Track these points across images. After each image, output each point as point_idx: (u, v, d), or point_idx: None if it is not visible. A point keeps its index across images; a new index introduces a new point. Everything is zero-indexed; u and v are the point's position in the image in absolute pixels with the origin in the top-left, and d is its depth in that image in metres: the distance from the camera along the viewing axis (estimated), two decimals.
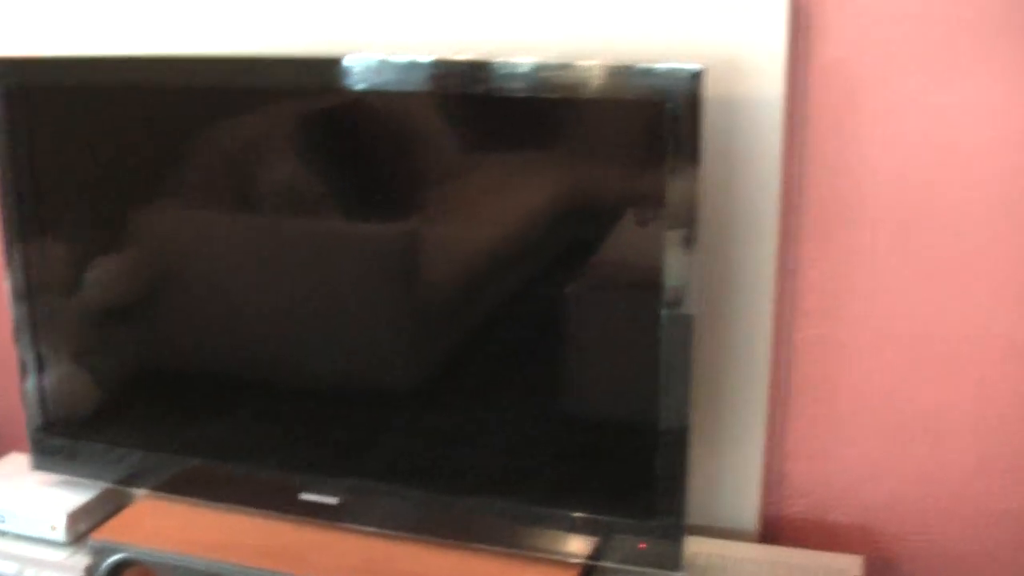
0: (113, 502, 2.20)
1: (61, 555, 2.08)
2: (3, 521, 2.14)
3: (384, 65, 1.83)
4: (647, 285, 1.75)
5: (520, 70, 1.75)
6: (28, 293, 2.14)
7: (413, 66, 1.81)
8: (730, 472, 2.01)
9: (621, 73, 1.72)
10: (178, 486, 2.13)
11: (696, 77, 1.68)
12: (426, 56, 1.80)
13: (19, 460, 2.30)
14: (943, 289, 1.92)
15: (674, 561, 1.84)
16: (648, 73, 1.70)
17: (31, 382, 2.17)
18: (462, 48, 1.86)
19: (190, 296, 2.11)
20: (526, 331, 1.92)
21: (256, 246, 2.04)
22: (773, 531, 2.07)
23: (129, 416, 2.20)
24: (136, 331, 2.16)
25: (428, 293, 1.98)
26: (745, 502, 2.03)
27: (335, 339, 2.01)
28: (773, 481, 2.06)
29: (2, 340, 2.35)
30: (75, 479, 2.20)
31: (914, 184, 1.89)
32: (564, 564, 1.90)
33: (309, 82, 1.92)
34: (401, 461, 2.02)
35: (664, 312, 1.75)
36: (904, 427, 1.99)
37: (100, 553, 2.02)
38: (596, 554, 1.89)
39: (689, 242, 1.72)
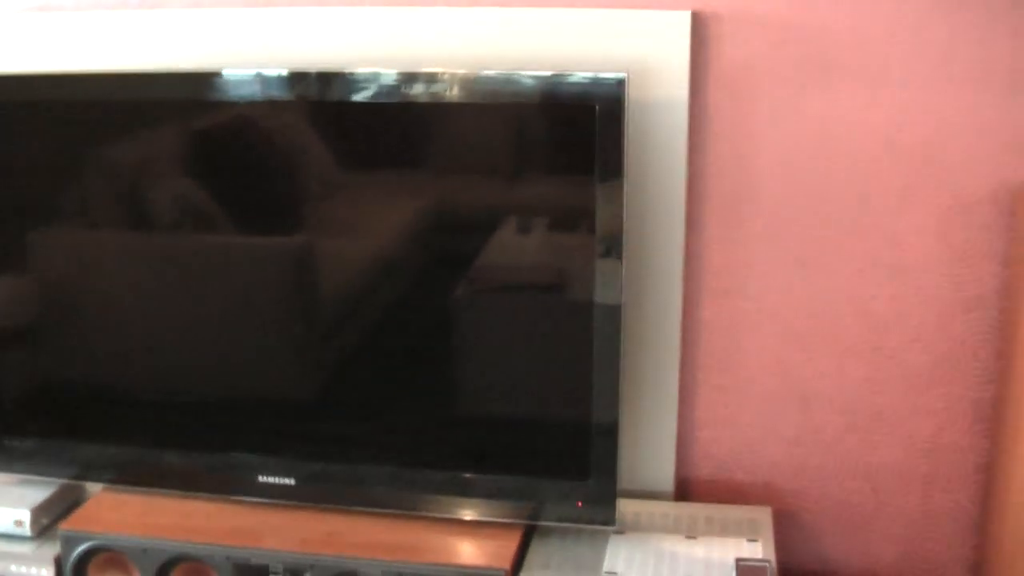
0: (71, 497, 2.32)
1: (28, 548, 2.20)
2: None
3: (308, 78, 2.02)
4: (582, 280, 1.98)
5: (458, 79, 1.96)
6: None
7: (338, 78, 2.01)
8: (648, 440, 2.24)
9: (553, 81, 1.94)
10: (136, 478, 2.26)
11: (621, 84, 1.91)
12: (360, 68, 2.00)
13: None
14: (818, 271, 2.18)
15: (608, 517, 2.06)
16: (578, 80, 1.92)
17: None
18: (398, 61, 2.06)
19: (106, 308, 2.26)
20: (447, 330, 2.14)
21: (156, 260, 2.20)
22: (686, 491, 2.31)
23: (81, 414, 2.31)
24: (60, 343, 2.30)
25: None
26: (661, 466, 2.26)
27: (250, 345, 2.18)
28: (684, 446, 2.29)
29: None
30: (31, 477, 2.31)
31: (795, 177, 2.15)
32: (510, 526, 2.10)
33: (198, 96, 2.09)
34: (350, 443, 2.19)
35: (596, 304, 1.98)
36: (790, 394, 2.25)
37: (69, 542, 2.14)
38: (538, 515, 2.08)
39: (618, 241, 1.95)
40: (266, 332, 2.21)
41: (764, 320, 2.22)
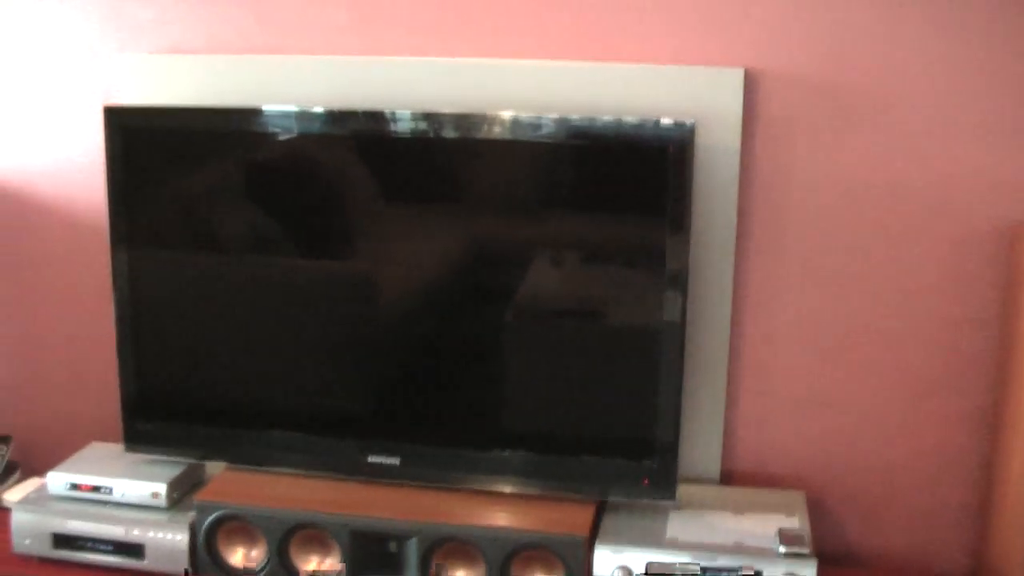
0: (195, 475, 2.65)
1: (164, 517, 2.52)
2: (111, 492, 2.57)
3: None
4: (651, 305, 2.37)
5: (548, 123, 2.34)
6: (130, 301, 2.60)
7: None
8: (698, 435, 2.59)
9: (633, 126, 2.31)
10: (256, 458, 2.60)
11: (692, 129, 2.28)
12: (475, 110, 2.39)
13: (102, 447, 2.75)
14: (841, 294, 2.54)
15: (670, 493, 2.42)
16: (655, 126, 2.29)
17: (125, 377, 2.63)
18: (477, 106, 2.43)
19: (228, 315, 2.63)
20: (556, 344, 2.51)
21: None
22: (730, 480, 2.66)
23: (209, 401, 2.65)
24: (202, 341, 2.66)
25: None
26: (710, 457, 2.62)
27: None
28: (729, 442, 2.64)
29: (96, 352, 2.83)
30: (162, 458, 2.65)
31: (824, 214, 2.51)
32: (586, 502, 2.46)
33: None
34: (451, 427, 2.54)
35: (665, 324, 2.36)
36: (816, 400, 2.60)
37: (203, 511, 2.46)
38: (610, 492, 2.45)
39: (684, 272, 2.34)
40: (377, 335, 2.58)
41: (795, 336, 2.58)
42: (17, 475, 2.88)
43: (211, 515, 2.46)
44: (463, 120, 2.39)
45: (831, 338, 2.56)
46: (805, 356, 2.59)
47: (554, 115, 2.34)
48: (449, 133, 2.39)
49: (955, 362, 2.52)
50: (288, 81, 2.63)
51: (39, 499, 2.59)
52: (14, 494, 2.74)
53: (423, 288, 2.54)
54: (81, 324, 2.90)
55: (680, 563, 2.27)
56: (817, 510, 2.59)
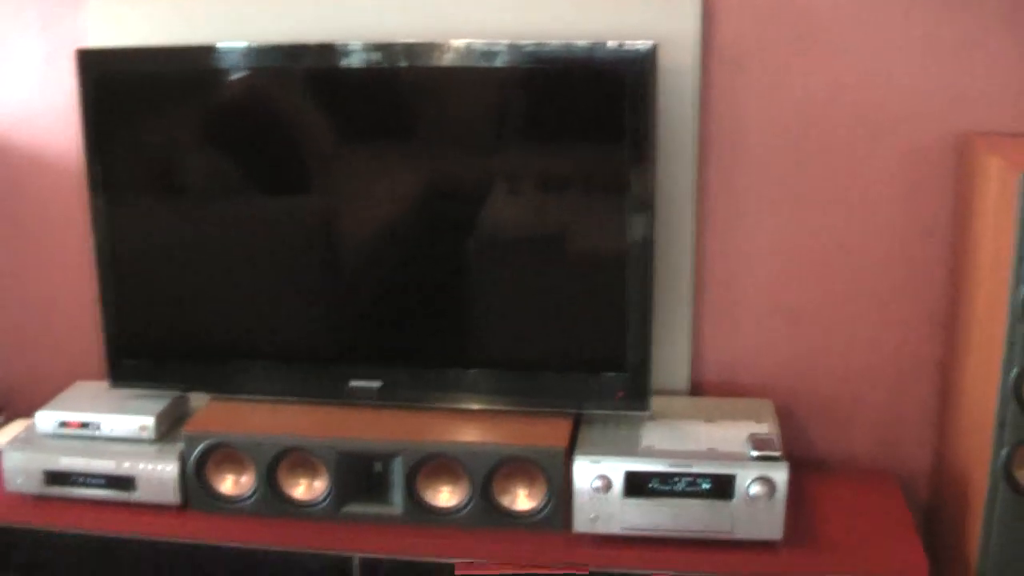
0: (180, 408, 2.72)
1: (153, 449, 2.59)
2: (99, 428, 2.63)
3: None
4: (621, 224, 2.45)
5: (505, 49, 2.40)
6: (110, 241, 2.66)
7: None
8: (667, 349, 2.69)
9: (595, 49, 2.37)
10: (240, 388, 2.67)
11: (653, 51, 2.36)
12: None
13: (87, 385, 2.81)
14: (800, 208, 2.64)
15: (643, 404, 2.52)
16: (617, 49, 2.36)
17: (108, 315, 2.69)
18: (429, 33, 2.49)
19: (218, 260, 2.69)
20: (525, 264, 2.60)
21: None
22: (699, 392, 2.76)
23: (188, 336, 2.72)
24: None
25: None
26: (679, 370, 2.72)
27: None
28: (697, 354, 2.74)
29: (75, 294, 2.90)
30: (147, 392, 2.71)
31: (781, 132, 2.60)
32: (562, 414, 2.55)
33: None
34: (429, 351, 2.63)
35: (631, 243, 2.44)
36: (780, 311, 2.71)
37: (192, 441, 2.53)
38: (584, 405, 2.55)
39: (650, 192, 2.42)
40: (370, 260, 2.66)
41: (758, 250, 2.68)
42: (2, 418, 2.93)
43: (200, 444, 2.52)
44: (417, 50, 2.44)
45: (792, 252, 2.66)
46: (768, 270, 2.68)
47: (510, 41, 2.39)
48: (402, 63, 2.45)
49: (911, 270, 2.63)
50: (241, 18, 2.67)
51: (29, 438, 2.65)
52: (1, 436, 2.79)
53: (387, 220, 2.60)
54: (57, 268, 2.95)
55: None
56: (784, 418, 2.68)
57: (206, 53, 2.53)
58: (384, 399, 2.60)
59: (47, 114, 2.85)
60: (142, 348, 2.70)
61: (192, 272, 2.68)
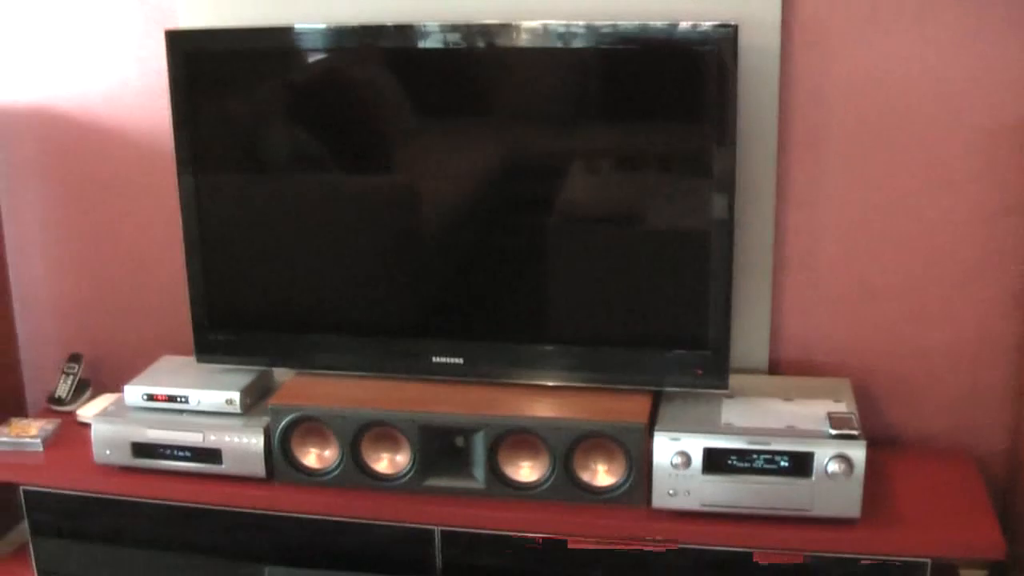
0: (265, 383, 2.78)
1: (239, 422, 2.64)
2: (186, 401, 2.69)
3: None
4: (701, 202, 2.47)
5: (580, 29, 2.42)
6: (197, 218, 2.71)
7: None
8: (747, 327, 2.70)
9: (677, 29, 2.39)
10: (325, 363, 2.72)
11: (735, 31, 2.37)
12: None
13: (173, 360, 2.88)
14: (881, 185, 2.63)
15: (723, 382, 2.53)
16: (699, 29, 2.38)
17: (195, 291, 2.74)
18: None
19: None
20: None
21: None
22: (777, 370, 2.77)
23: (276, 311, 2.77)
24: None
25: None
26: (758, 347, 2.73)
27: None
28: (776, 332, 2.75)
29: (163, 269, 2.96)
30: (233, 367, 2.77)
31: (862, 109, 2.59)
32: (642, 391, 2.58)
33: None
34: (511, 326, 2.66)
35: (714, 221, 2.46)
36: (859, 289, 2.71)
37: (278, 414, 2.58)
38: (666, 382, 2.57)
39: (731, 171, 2.43)
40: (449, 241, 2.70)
41: (837, 228, 2.68)
42: (89, 392, 3.01)
43: (285, 418, 2.57)
44: (494, 30, 2.48)
45: (872, 231, 2.67)
46: (847, 249, 2.69)
47: (598, 22, 2.42)
48: (479, 44, 2.49)
49: (990, 249, 2.62)
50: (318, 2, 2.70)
51: (117, 411, 2.72)
52: (88, 410, 2.87)
53: (467, 198, 2.64)
54: (145, 244, 3.02)
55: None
56: (861, 396, 2.68)
57: (290, 33, 2.58)
58: (467, 374, 2.63)
59: (141, 92, 2.91)
60: (228, 323, 2.75)
61: (277, 249, 2.73)
